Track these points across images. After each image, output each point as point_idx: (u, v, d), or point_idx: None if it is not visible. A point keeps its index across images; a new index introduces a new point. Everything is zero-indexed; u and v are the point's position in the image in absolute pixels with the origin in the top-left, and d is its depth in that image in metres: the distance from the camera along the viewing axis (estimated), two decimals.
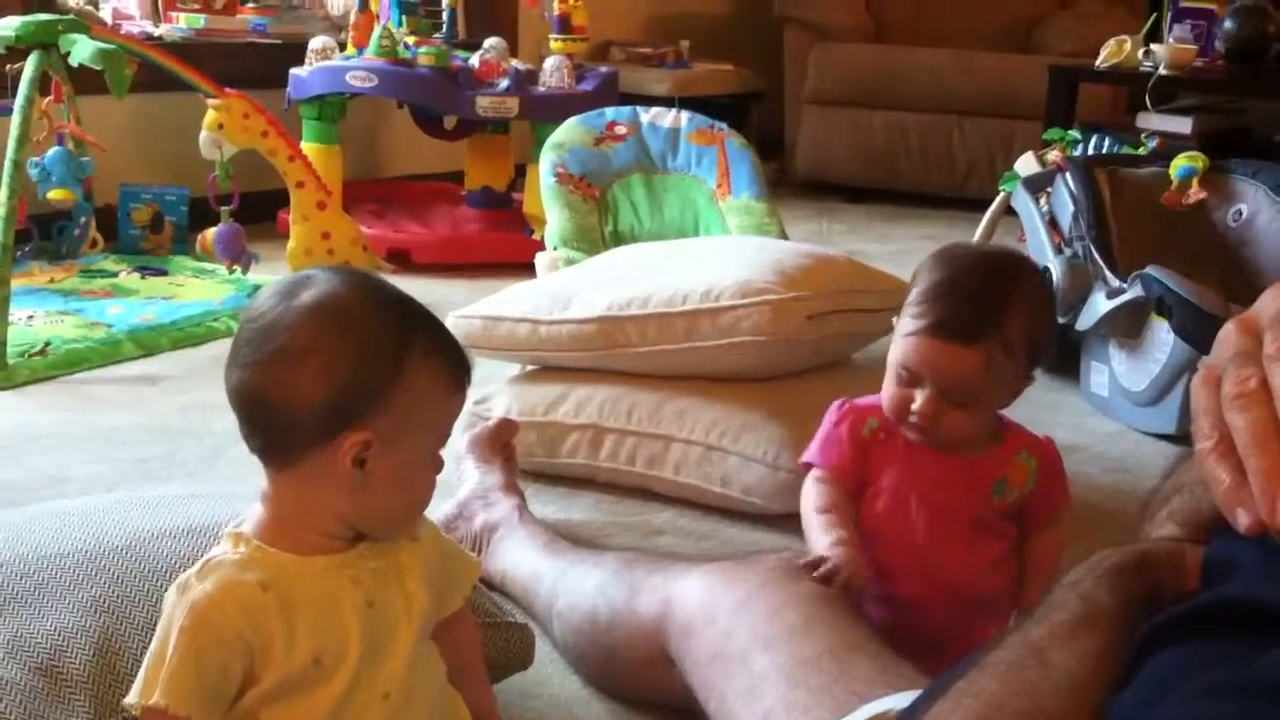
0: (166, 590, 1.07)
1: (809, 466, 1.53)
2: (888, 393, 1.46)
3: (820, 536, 1.46)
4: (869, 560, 1.47)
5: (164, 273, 3.57)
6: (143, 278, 3.50)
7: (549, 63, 3.97)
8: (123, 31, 3.82)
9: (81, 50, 3.03)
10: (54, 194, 3.43)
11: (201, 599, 1.02)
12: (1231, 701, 0.67)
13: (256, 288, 3.38)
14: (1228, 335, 0.69)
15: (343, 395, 1.02)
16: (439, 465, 1.12)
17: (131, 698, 1.03)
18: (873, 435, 1.50)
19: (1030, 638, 0.84)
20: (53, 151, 3.45)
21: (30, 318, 3.03)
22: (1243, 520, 0.63)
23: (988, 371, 1.40)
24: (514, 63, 3.92)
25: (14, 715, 1.16)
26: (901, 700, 1.09)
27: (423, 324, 1.08)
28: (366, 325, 1.04)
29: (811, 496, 1.51)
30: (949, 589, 1.46)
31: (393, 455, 1.05)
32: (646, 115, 3.22)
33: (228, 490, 1.57)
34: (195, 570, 1.05)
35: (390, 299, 1.08)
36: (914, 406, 1.43)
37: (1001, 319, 1.40)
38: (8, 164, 2.80)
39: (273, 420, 1.04)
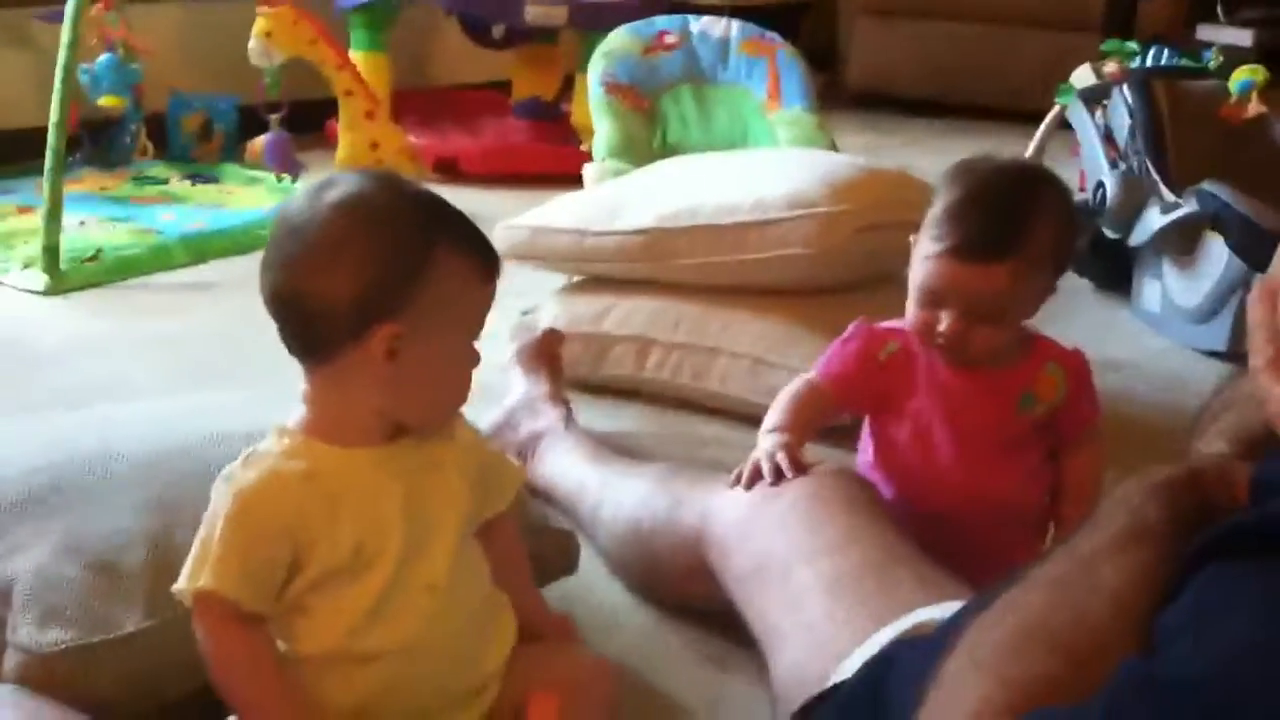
0: None
1: None
2: (911, 314, 1.44)
3: (765, 424, 1.49)
4: (898, 485, 1.48)
5: (214, 180, 3.58)
6: (193, 185, 3.52)
7: None
8: None
9: None
10: (104, 101, 3.45)
11: (246, 489, 1.05)
12: (1276, 623, 0.67)
13: None
14: None
15: (372, 289, 1.03)
16: (475, 358, 1.12)
17: (181, 583, 1.05)
18: (891, 359, 1.48)
19: (1077, 552, 0.84)
20: (103, 58, 3.46)
21: (82, 224, 3.05)
22: None
23: (1014, 288, 1.38)
24: None
25: (71, 610, 1.19)
26: (943, 611, 1.09)
27: (448, 219, 1.09)
28: (392, 220, 1.05)
29: (784, 390, 1.52)
30: (983, 504, 1.46)
31: (425, 347, 1.06)
32: (697, 24, 3.18)
33: (279, 394, 1.59)
34: (240, 461, 1.08)
35: (415, 196, 1.09)
36: (940, 327, 1.40)
37: (1025, 234, 1.37)
38: (59, 70, 2.80)
39: (306, 317, 1.05)
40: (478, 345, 1.13)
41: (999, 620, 0.80)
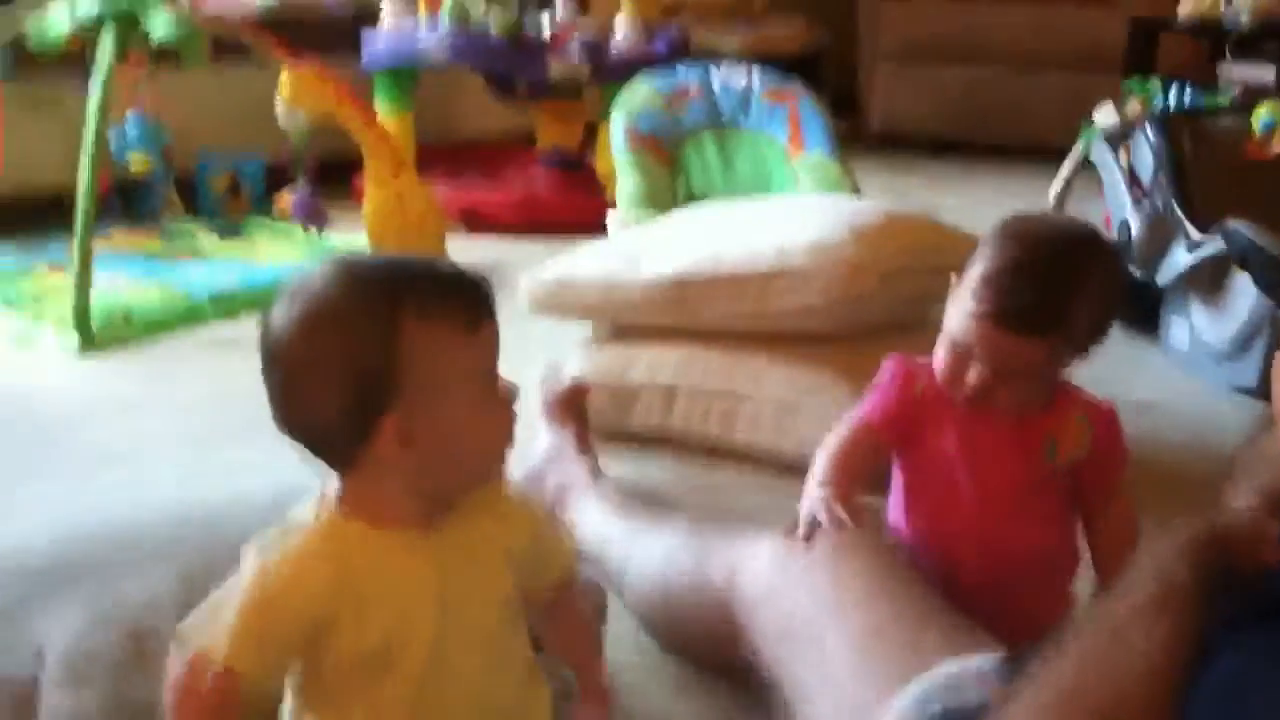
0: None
1: None
2: (940, 360, 1.42)
3: (811, 479, 1.45)
4: (922, 529, 1.47)
5: (241, 235, 3.61)
6: (221, 238, 3.55)
7: (620, 23, 3.95)
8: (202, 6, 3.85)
9: (159, 25, 3.06)
10: (134, 161, 3.49)
11: (272, 574, 1.03)
12: None
13: (333, 249, 3.42)
14: None
15: (355, 394, 1.01)
16: (505, 398, 1.08)
17: (189, 635, 1.03)
18: (923, 395, 1.46)
19: (1108, 619, 0.83)
20: (130, 120, 3.50)
21: (112, 283, 3.07)
22: None
23: (1049, 361, 1.37)
24: (583, 28, 3.91)
25: (104, 678, 1.20)
26: (971, 664, 1.08)
27: (410, 285, 1.03)
28: (349, 318, 1.01)
29: (829, 439, 1.49)
30: (1005, 550, 1.44)
31: (435, 418, 1.02)
32: (718, 74, 3.20)
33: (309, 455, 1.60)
34: (274, 533, 1.06)
35: (369, 277, 1.04)
36: (968, 378, 1.39)
37: (1068, 312, 1.35)
38: (89, 133, 2.84)
39: (311, 444, 1.05)
40: (522, 367, 1.10)
41: (1035, 696, 0.80)
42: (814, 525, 1.40)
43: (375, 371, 1.01)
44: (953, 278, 1.43)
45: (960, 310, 1.39)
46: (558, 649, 1.20)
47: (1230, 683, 0.75)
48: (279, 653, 1.03)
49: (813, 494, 1.43)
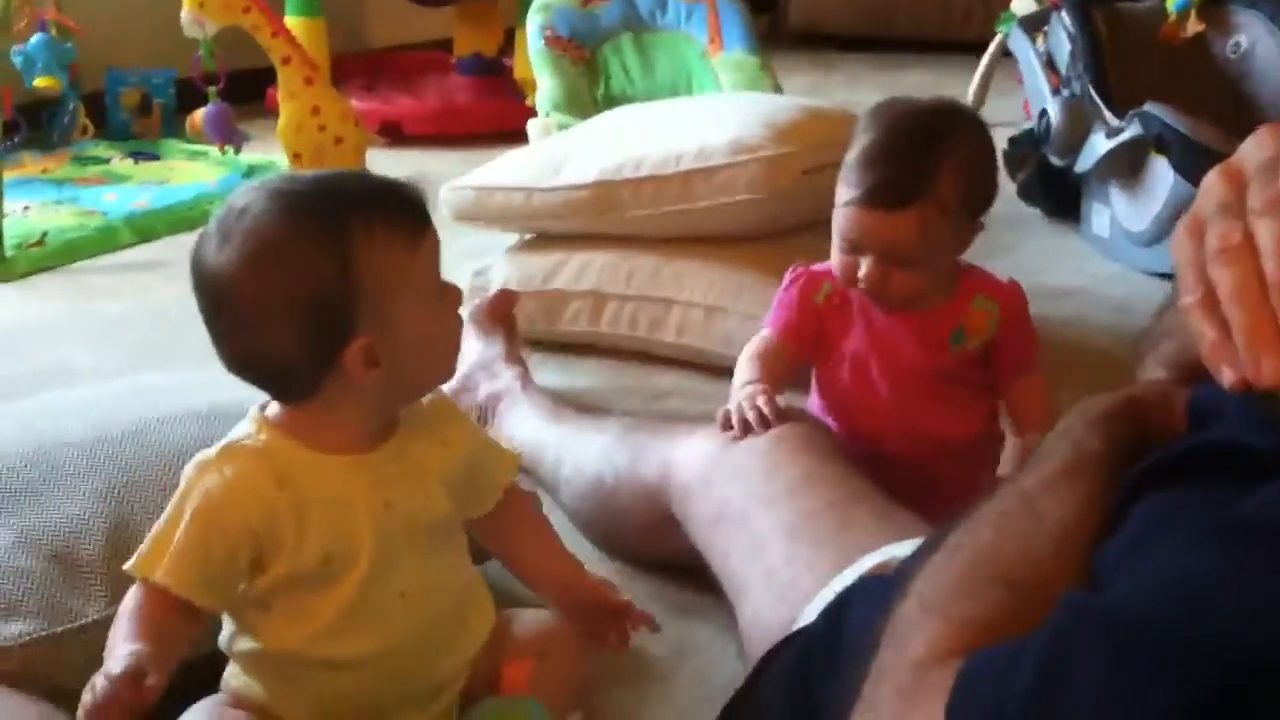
0: (178, 473, 1.07)
1: None
2: (835, 260, 1.45)
3: (735, 381, 1.48)
4: (846, 423, 1.49)
5: (156, 157, 3.53)
6: (135, 163, 3.47)
7: None
8: None
9: None
10: (40, 81, 3.39)
11: (215, 488, 1.03)
12: (1218, 546, 0.67)
13: (250, 168, 3.36)
14: (1211, 184, 0.68)
15: (317, 324, 1.01)
16: (452, 301, 1.09)
17: (132, 566, 1.04)
18: (827, 301, 1.49)
19: (1021, 486, 0.85)
20: (35, 39, 3.40)
21: (25, 209, 3.00)
22: (1227, 377, 0.62)
23: (924, 233, 1.39)
24: None
25: (32, 603, 1.19)
26: (903, 549, 1.10)
27: (352, 204, 1.03)
28: (298, 246, 1.00)
29: (747, 347, 1.53)
30: (927, 439, 1.47)
31: (397, 335, 1.03)
32: None
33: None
34: (215, 451, 1.06)
35: (311, 196, 1.03)
36: (860, 273, 1.42)
37: (931, 180, 1.38)
38: None
39: (271, 374, 1.04)
40: (449, 279, 1.09)
41: (946, 560, 0.81)
42: (738, 421, 1.41)
43: (333, 302, 1.00)
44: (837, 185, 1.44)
45: (839, 202, 1.42)
46: (515, 555, 1.21)
47: (1135, 539, 0.76)
48: (226, 571, 1.03)
49: (738, 394, 1.45)
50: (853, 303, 1.48)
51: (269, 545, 1.03)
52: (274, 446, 1.06)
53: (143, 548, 1.04)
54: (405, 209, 1.05)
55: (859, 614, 0.98)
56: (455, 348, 1.12)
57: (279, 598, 1.06)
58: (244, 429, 1.08)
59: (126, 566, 1.05)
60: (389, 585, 1.07)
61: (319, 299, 1.00)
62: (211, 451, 1.06)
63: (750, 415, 1.41)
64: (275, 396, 1.07)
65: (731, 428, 1.41)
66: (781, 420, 1.40)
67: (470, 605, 1.17)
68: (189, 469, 1.05)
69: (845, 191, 1.41)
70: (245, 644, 1.08)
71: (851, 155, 1.41)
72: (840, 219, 1.42)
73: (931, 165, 1.38)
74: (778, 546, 1.25)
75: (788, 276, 1.53)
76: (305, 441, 1.06)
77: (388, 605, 1.07)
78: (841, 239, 1.43)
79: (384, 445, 1.09)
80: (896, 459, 1.46)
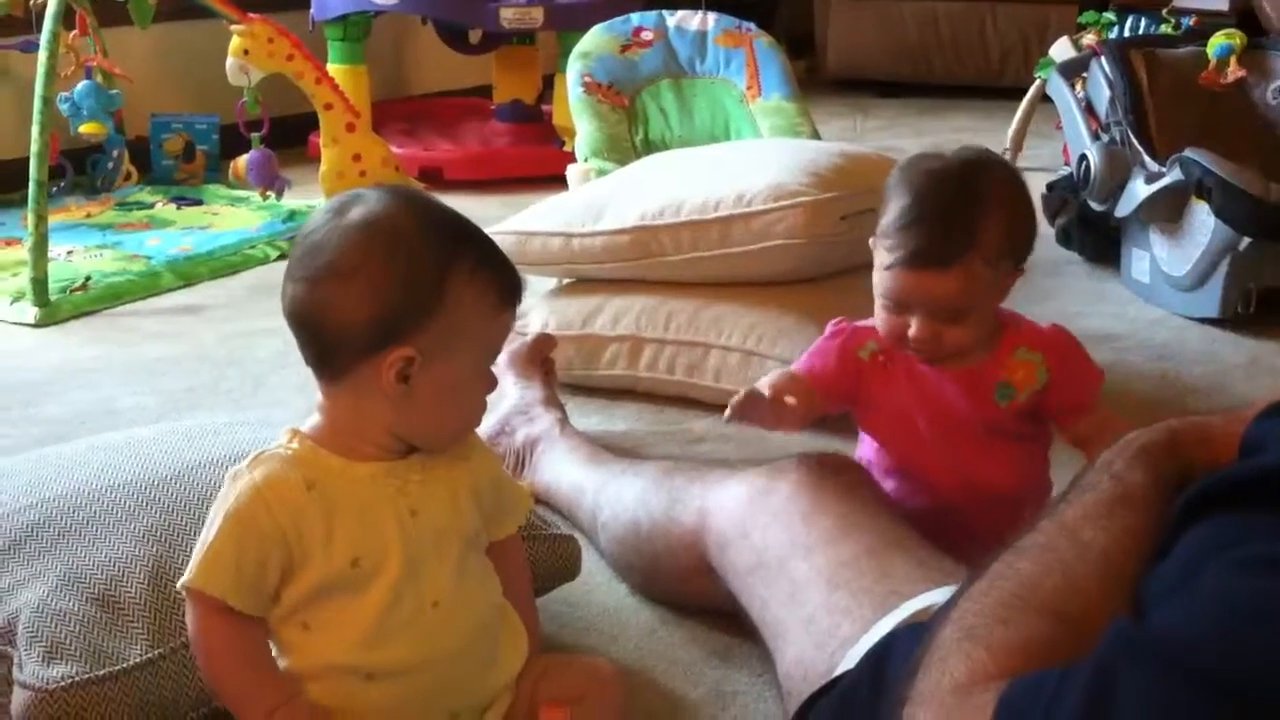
0: None
1: None
2: (880, 320, 1.44)
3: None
4: (893, 475, 1.49)
5: (199, 202, 3.58)
6: (178, 208, 3.52)
7: None
8: None
9: None
10: (85, 128, 3.44)
11: (247, 489, 1.05)
12: (1265, 576, 0.67)
13: (291, 214, 3.40)
14: None
15: (386, 313, 1.04)
16: (490, 383, 1.13)
17: (182, 580, 1.06)
18: (873, 359, 1.48)
19: (1063, 518, 0.85)
20: (81, 85, 3.45)
21: (69, 253, 3.05)
22: None
23: (970, 287, 1.38)
24: None
25: (75, 646, 1.19)
26: (942, 596, 1.09)
27: (470, 242, 1.09)
28: (411, 244, 1.05)
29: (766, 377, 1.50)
30: (978, 491, 1.46)
31: (437, 371, 1.06)
32: (673, 19, 3.18)
33: (272, 417, 1.60)
34: (247, 461, 1.08)
35: (438, 217, 1.09)
36: (910, 333, 1.41)
37: (974, 235, 1.37)
38: (37, 100, 2.80)
39: (321, 335, 1.06)
40: (495, 368, 1.14)
41: (988, 589, 0.81)
42: (752, 396, 1.41)
43: (413, 303, 1.05)
44: (871, 241, 1.44)
45: (879, 264, 1.42)
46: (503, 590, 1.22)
47: (1183, 566, 0.76)
48: (259, 573, 1.05)
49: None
50: (898, 361, 1.47)
51: (298, 548, 1.05)
52: (304, 454, 1.09)
53: (190, 564, 1.06)
54: (510, 279, 1.11)
55: (898, 653, 0.98)
56: (467, 422, 1.16)
57: (315, 611, 1.07)
58: (277, 441, 1.10)
59: (179, 585, 1.07)
60: (421, 594, 1.09)
61: (404, 292, 1.04)
62: (244, 462, 1.09)
63: (767, 395, 1.41)
64: (311, 362, 1.09)
65: (739, 419, 1.40)
66: (790, 411, 1.41)
67: (503, 628, 1.19)
68: (226, 481, 1.08)
69: (887, 255, 1.40)
70: (287, 663, 1.09)
71: (889, 218, 1.40)
72: (884, 281, 1.41)
73: (972, 221, 1.38)
74: (817, 593, 1.24)
75: (830, 327, 1.52)
76: (334, 449, 1.09)
77: (422, 614, 1.09)
78: (887, 299, 1.42)
79: (410, 457, 1.11)
80: (948, 510, 1.45)
